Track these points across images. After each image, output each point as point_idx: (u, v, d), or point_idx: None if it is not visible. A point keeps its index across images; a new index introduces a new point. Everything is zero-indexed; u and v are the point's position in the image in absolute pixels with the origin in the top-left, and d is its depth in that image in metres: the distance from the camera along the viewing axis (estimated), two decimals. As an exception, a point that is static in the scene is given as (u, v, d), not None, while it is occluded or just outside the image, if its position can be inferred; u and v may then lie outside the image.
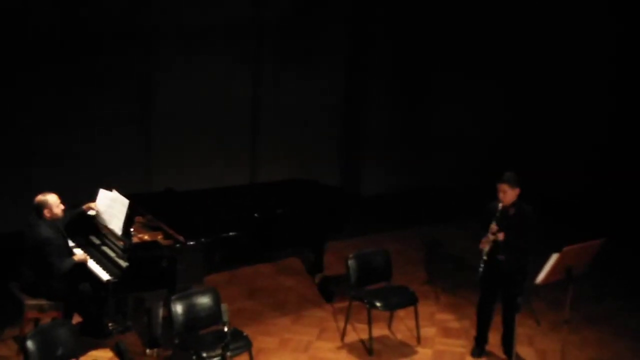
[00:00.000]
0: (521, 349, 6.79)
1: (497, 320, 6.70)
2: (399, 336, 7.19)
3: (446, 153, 12.06)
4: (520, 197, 6.38)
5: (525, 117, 11.70)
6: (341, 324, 7.25)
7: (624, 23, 10.78)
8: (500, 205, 6.35)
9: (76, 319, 6.49)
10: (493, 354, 6.82)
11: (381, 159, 11.80)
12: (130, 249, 6.24)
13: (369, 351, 6.82)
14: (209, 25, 9.94)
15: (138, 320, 6.84)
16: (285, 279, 8.48)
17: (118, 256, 6.43)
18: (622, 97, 10.96)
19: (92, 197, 6.84)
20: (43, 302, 6.24)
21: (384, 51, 11.55)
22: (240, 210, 7.36)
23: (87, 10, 9.12)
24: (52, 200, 6.26)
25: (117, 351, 6.52)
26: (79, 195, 7.00)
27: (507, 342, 6.57)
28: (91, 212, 6.76)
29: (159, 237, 6.57)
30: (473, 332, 6.98)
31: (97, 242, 6.84)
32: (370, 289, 6.97)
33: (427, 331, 7.25)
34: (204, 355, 5.69)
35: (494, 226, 6.30)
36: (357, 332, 7.17)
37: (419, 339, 7.06)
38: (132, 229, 6.50)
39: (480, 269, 6.39)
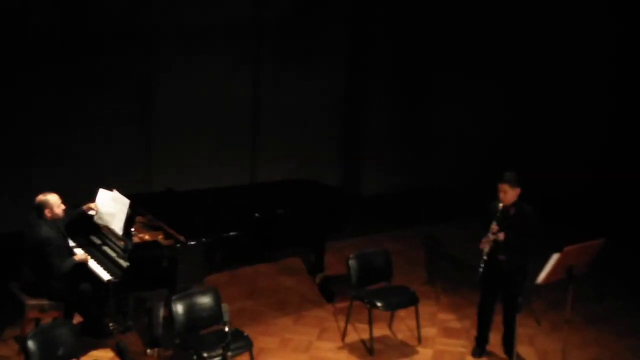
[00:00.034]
0: (522, 349, 6.79)
1: (497, 320, 6.71)
2: (400, 336, 7.19)
3: (446, 153, 12.07)
4: (520, 197, 6.38)
5: (525, 117, 11.69)
6: (342, 324, 7.26)
7: (624, 23, 10.78)
8: (500, 205, 6.35)
9: (77, 319, 6.49)
10: (494, 354, 6.82)
11: (381, 159, 11.79)
12: (131, 249, 6.24)
13: (370, 351, 6.82)
14: (209, 25, 9.94)
15: (139, 320, 6.85)
16: (285, 279, 8.48)
17: (119, 256, 6.43)
18: (622, 97, 10.96)
19: (92, 197, 6.84)
20: (44, 302, 6.24)
21: (384, 51, 11.55)
22: (240, 210, 7.36)
23: (87, 10, 9.11)
24: (53, 200, 6.26)
25: (118, 351, 6.51)
26: (79, 195, 7.00)
27: (508, 342, 6.57)
28: (92, 212, 6.75)
29: (160, 237, 6.58)
30: (474, 332, 6.98)
31: (98, 242, 6.84)
32: (371, 289, 6.97)
33: (428, 331, 7.25)
34: (205, 355, 5.69)
35: (494, 226, 6.31)
36: (358, 332, 7.17)
37: (419, 339, 7.07)
38: (132, 229, 6.50)
39: (481, 269, 6.39)
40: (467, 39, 11.62)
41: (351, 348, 6.93)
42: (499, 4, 11.40)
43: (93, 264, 6.42)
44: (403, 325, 7.33)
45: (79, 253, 6.52)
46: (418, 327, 7.05)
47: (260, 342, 6.84)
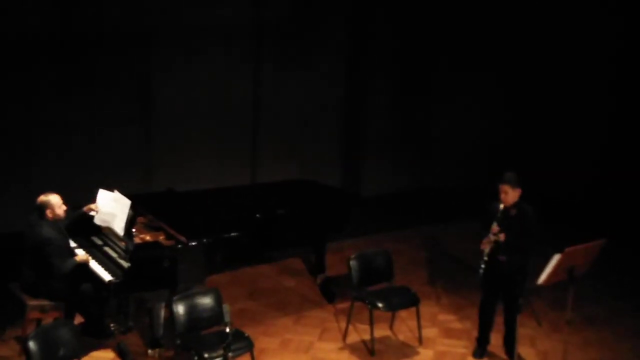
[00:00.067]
0: (522, 349, 6.79)
1: (498, 321, 6.70)
2: (401, 337, 7.19)
3: (446, 153, 12.07)
4: (521, 197, 6.38)
5: (526, 117, 11.70)
6: (343, 325, 7.25)
7: (624, 23, 10.79)
8: (501, 206, 6.35)
9: (78, 320, 6.48)
10: (494, 354, 6.82)
11: (381, 159, 11.80)
12: (132, 250, 6.24)
13: (371, 352, 6.81)
14: (209, 25, 9.94)
15: (140, 321, 6.85)
16: (286, 280, 8.48)
17: (120, 257, 6.43)
18: (622, 97, 10.97)
19: (92, 197, 6.83)
20: (45, 302, 6.24)
21: (384, 51, 11.56)
22: (241, 210, 7.35)
23: (87, 11, 9.11)
24: (55, 201, 6.25)
25: (119, 351, 6.51)
26: (79, 195, 6.99)
27: (509, 343, 6.57)
28: (92, 213, 6.75)
29: (161, 238, 6.57)
30: (475, 333, 6.98)
31: (99, 242, 6.83)
32: (372, 289, 6.97)
33: (429, 332, 7.25)
34: (206, 355, 5.68)
35: (495, 227, 6.30)
36: (359, 333, 7.17)
37: (420, 340, 7.06)
38: (133, 230, 6.50)
39: (481, 270, 6.38)
40: (467, 39, 11.64)
41: (352, 349, 6.92)
42: (499, 5, 11.41)
43: (94, 265, 6.41)
44: (404, 326, 7.33)
45: (80, 254, 6.51)
46: (419, 327, 7.05)
47: (261, 342, 6.83)
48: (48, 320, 6.28)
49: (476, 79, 11.68)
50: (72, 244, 6.64)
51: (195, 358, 5.72)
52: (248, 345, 5.98)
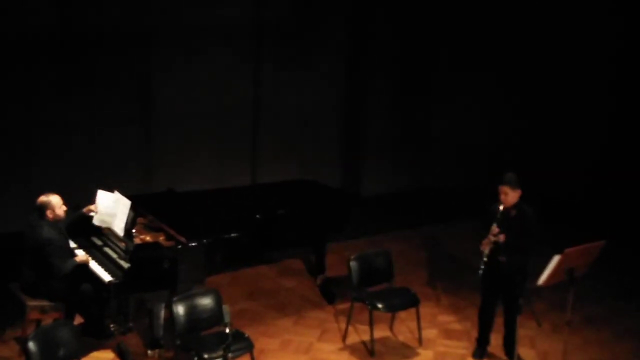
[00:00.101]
0: (523, 350, 6.78)
1: (498, 322, 6.70)
2: (401, 338, 7.19)
3: (446, 153, 12.07)
4: (521, 197, 6.37)
5: (525, 117, 11.69)
6: (343, 325, 7.25)
7: (624, 23, 10.79)
8: (501, 207, 6.35)
9: (78, 320, 6.48)
10: (494, 355, 6.82)
11: (381, 159, 11.80)
12: (132, 250, 6.24)
13: (371, 352, 6.81)
14: (209, 25, 9.94)
15: (140, 321, 6.84)
16: (286, 280, 8.48)
17: (120, 257, 6.43)
18: (622, 97, 10.97)
19: (92, 197, 6.82)
20: (45, 303, 6.24)
21: (384, 51, 11.55)
22: (241, 210, 7.35)
23: (87, 10, 9.10)
24: (55, 201, 6.25)
25: (119, 352, 6.51)
26: (79, 196, 6.99)
27: (509, 344, 6.57)
28: (92, 214, 6.74)
29: (161, 238, 6.57)
30: (474, 334, 6.97)
31: (99, 243, 6.83)
32: (372, 290, 6.97)
33: (429, 333, 7.25)
34: (206, 356, 5.68)
35: (495, 228, 6.30)
36: (359, 334, 7.17)
37: (420, 341, 7.06)
38: (134, 230, 6.49)
39: (481, 271, 6.38)
40: (467, 40, 11.64)
41: (352, 349, 6.93)
42: (499, 5, 11.40)
43: (94, 265, 6.41)
44: (404, 327, 7.33)
45: (80, 254, 6.50)
46: (419, 328, 7.05)
47: (261, 343, 6.83)
48: (48, 320, 6.28)
49: (476, 79, 11.68)
50: (72, 244, 6.64)
51: (195, 359, 5.72)
52: (248, 345, 5.98)
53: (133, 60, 9.52)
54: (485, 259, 6.35)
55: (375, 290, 6.96)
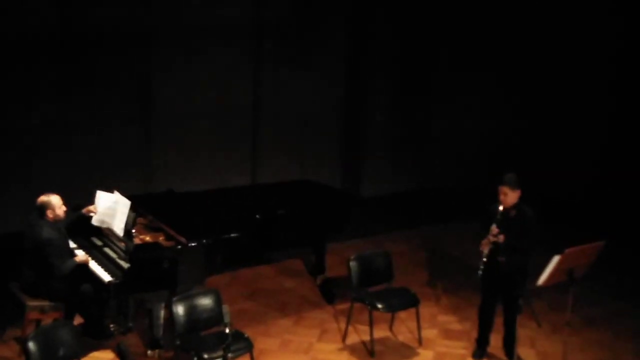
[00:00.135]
0: (522, 350, 6.79)
1: (498, 322, 6.70)
2: (400, 338, 7.19)
3: (446, 153, 12.06)
4: (521, 198, 6.37)
5: (526, 117, 11.69)
6: (342, 326, 7.25)
7: (624, 23, 10.78)
8: (501, 207, 6.34)
9: (77, 320, 6.48)
10: (494, 355, 6.82)
11: (381, 159, 11.79)
12: (131, 250, 6.24)
13: (370, 353, 6.81)
14: (209, 25, 9.93)
15: (139, 322, 6.84)
16: (286, 280, 8.48)
17: (120, 257, 6.44)
18: (622, 97, 10.96)
19: (92, 197, 6.83)
20: (44, 303, 6.25)
21: (383, 51, 11.55)
22: (241, 211, 7.35)
23: (87, 10, 9.10)
24: (56, 202, 6.26)
25: (119, 352, 6.51)
26: (79, 196, 7.00)
27: (509, 344, 6.57)
28: (92, 215, 6.74)
29: (161, 239, 6.57)
30: (474, 334, 6.97)
31: (99, 243, 6.84)
32: (372, 290, 6.96)
33: (429, 333, 7.25)
34: (205, 356, 5.68)
35: (494, 228, 6.30)
36: (359, 334, 7.17)
37: (420, 341, 7.07)
38: (133, 230, 6.50)
39: (480, 271, 6.38)
40: (467, 40, 11.63)
41: (352, 350, 6.93)
42: (499, 5, 11.40)
43: (94, 265, 6.42)
44: (404, 327, 7.33)
45: (80, 254, 6.51)
46: (419, 328, 7.05)
47: (261, 343, 6.83)
48: (48, 320, 6.28)
49: (476, 79, 11.67)
50: (72, 244, 6.64)
51: (195, 359, 5.72)
52: (248, 346, 5.98)
53: (133, 60, 9.51)
54: (484, 259, 6.35)
55: (375, 291, 6.95)
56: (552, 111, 11.56)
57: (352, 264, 6.88)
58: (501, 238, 6.26)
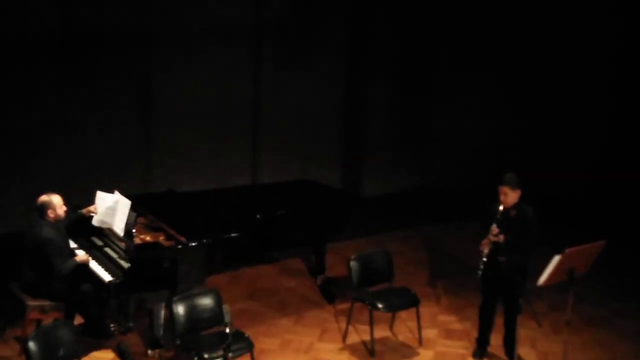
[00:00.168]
0: (523, 350, 6.79)
1: (498, 322, 6.70)
2: (401, 337, 7.19)
3: (446, 153, 12.07)
4: (521, 198, 6.37)
5: (526, 117, 11.69)
6: (343, 325, 7.25)
7: (624, 23, 10.79)
8: (501, 207, 6.34)
9: (78, 320, 6.48)
10: (495, 355, 6.82)
11: (381, 159, 11.79)
12: (132, 250, 6.24)
13: (371, 352, 6.81)
14: (209, 25, 9.93)
15: (140, 321, 6.84)
16: (286, 280, 8.47)
17: (120, 257, 6.43)
18: (622, 97, 10.96)
19: (92, 197, 6.83)
20: (45, 302, 6.24)
21: (383, 51, 11.55)
22: (241, 210, 7.35)
23: (87, 10, 9.11)
24: (56, 201, 6.26)
25: (119, 352, 6.51)
26: (79, 196, 7.00)
27: (509, 344, 6.57)
28: (92, 215, 6.74)
29: (161, 238, 6.57)
30: (475, 334, 6.97)
31: (99, 243, 6.83)
32: (372, 290, 6.97)
33: (429, 333, 7.25)
34: (206, 356, 5.68)
35: (494, 228, 6.29)
36: (359, 334, 7.17)
37: (420, 341, 7.06)
38: (134, 230, 6.49)
39: (480, 271, 6.38)
40: (467, 40, 11.64)
41: (352, 349, 6.92)
42: (499, 5, 11.40)
43: (94, 265, 6.41)
44: (404, 327, 7.33)
45: (80, 254, 6.51)
46: (419, 328, 7.05)
47: (261, 343, 6.83)
48: (48, 320, 6.27)
49: (476, 78, 11.68)
50: (73, 244, 6.64)
51: (195, 359, 5.72)
52: (248, 345, 5.98)
53: (133, 60, 9.51)
54: (484, 259, 6.35)
55: (376, 290, 6.95)
56: (552, 111, 11.56)
57: (353, 263, 6.88)
58: (501, 238, 6.26)
